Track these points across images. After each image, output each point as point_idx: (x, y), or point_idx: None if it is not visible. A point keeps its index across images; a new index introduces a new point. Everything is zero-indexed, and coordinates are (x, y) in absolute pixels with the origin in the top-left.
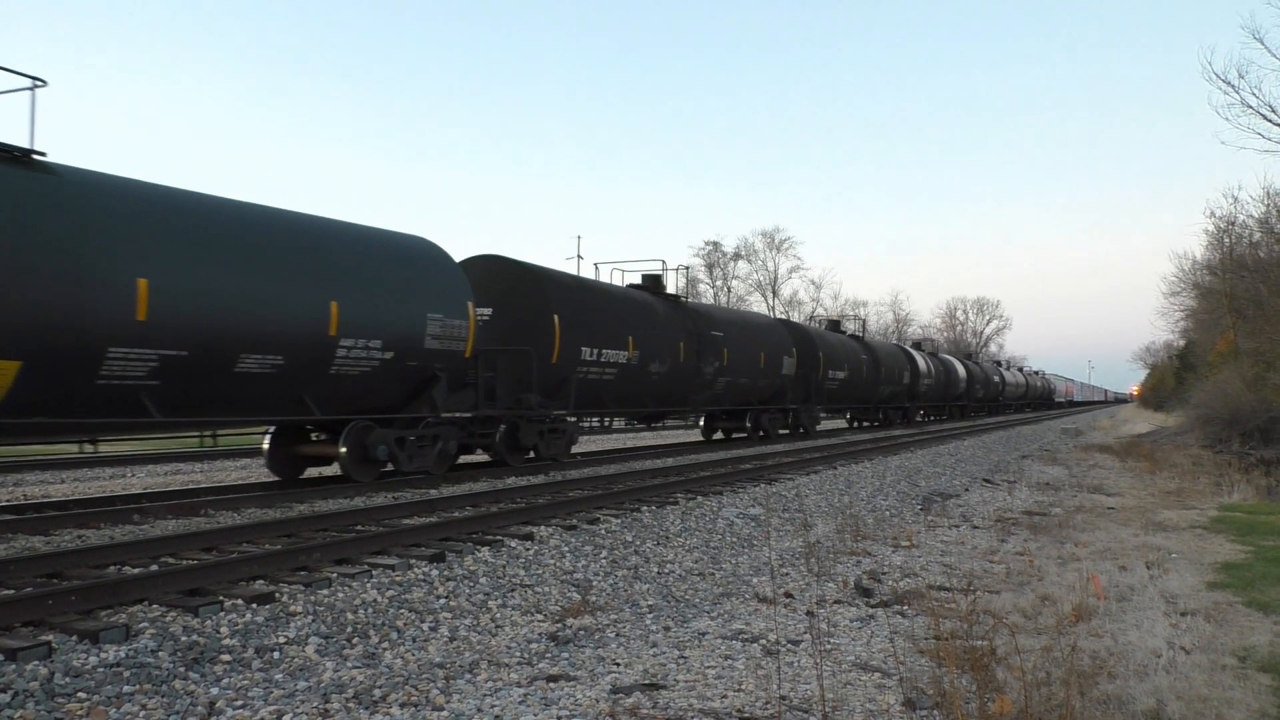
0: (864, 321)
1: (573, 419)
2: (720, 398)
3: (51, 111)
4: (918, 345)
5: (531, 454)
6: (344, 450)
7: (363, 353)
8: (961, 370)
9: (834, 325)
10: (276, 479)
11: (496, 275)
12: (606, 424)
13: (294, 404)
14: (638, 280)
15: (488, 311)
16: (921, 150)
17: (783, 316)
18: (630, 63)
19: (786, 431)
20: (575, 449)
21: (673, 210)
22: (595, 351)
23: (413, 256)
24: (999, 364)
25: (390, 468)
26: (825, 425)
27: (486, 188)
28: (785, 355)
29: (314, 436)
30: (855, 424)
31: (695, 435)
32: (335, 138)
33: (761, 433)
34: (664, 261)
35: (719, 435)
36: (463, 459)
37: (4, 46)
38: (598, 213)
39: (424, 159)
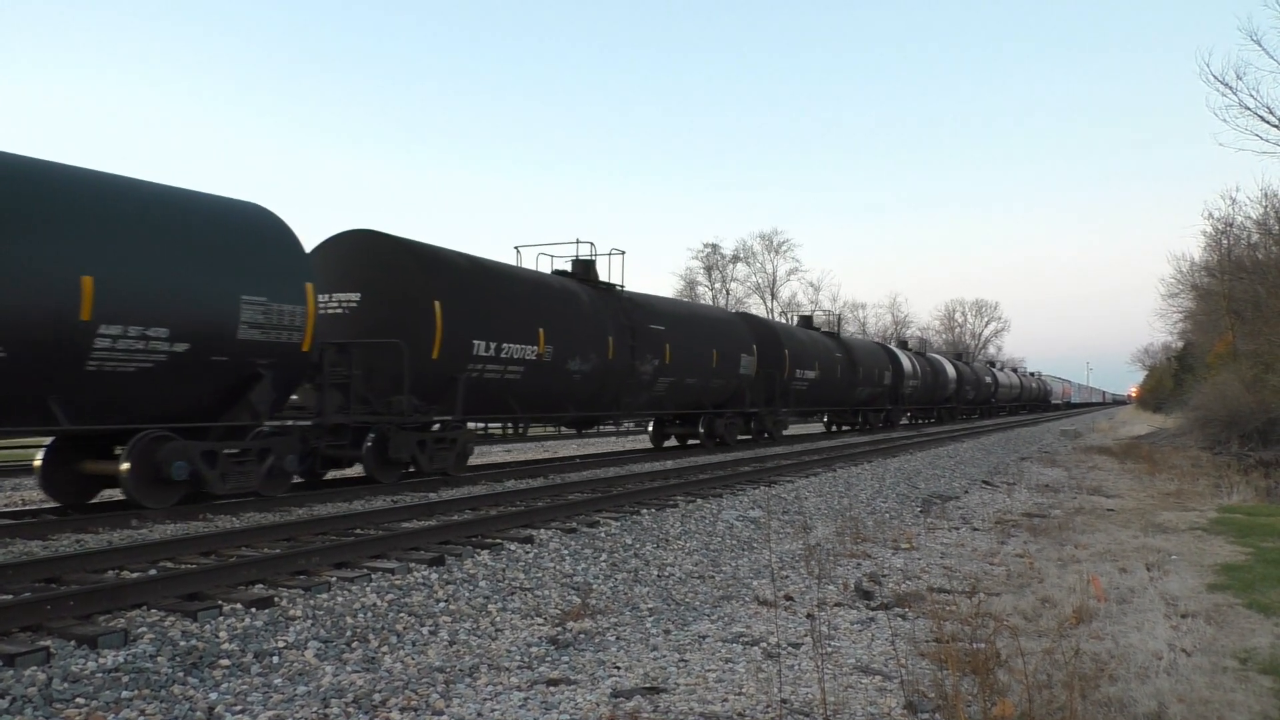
0: (863, 323)
1: (471, 427)
2: (662, 400)
3: (54, 112)
4: (903, 344)
5: (412, 468)
6: (125, 467)
7: (137, 343)
8: (951, 370)
9: (806, 321)
10: (57, 504)
11: (368, 254)
12: (520, 430)
13: (32, 411)
14: (566, 267)
15: (355, 297)
16: (920, 153)
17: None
18: (629, 66)
19: (748, 437)
20: (475, 461)
21: (671, 212)
22: (493, 346)
23: (226, 224)
24: (992, 364)
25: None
26: (796, 430)
27: (484, 191)
28: (744, 353)
29: (117, 450)
30: (834, 428)
31: (638, 443)
32: (336, 139)
33: (717, 439)
34: (593, 245)
35: (672, 442)
36: (333, 474)
37: None
38: (596, 215)
39: (422, 161)
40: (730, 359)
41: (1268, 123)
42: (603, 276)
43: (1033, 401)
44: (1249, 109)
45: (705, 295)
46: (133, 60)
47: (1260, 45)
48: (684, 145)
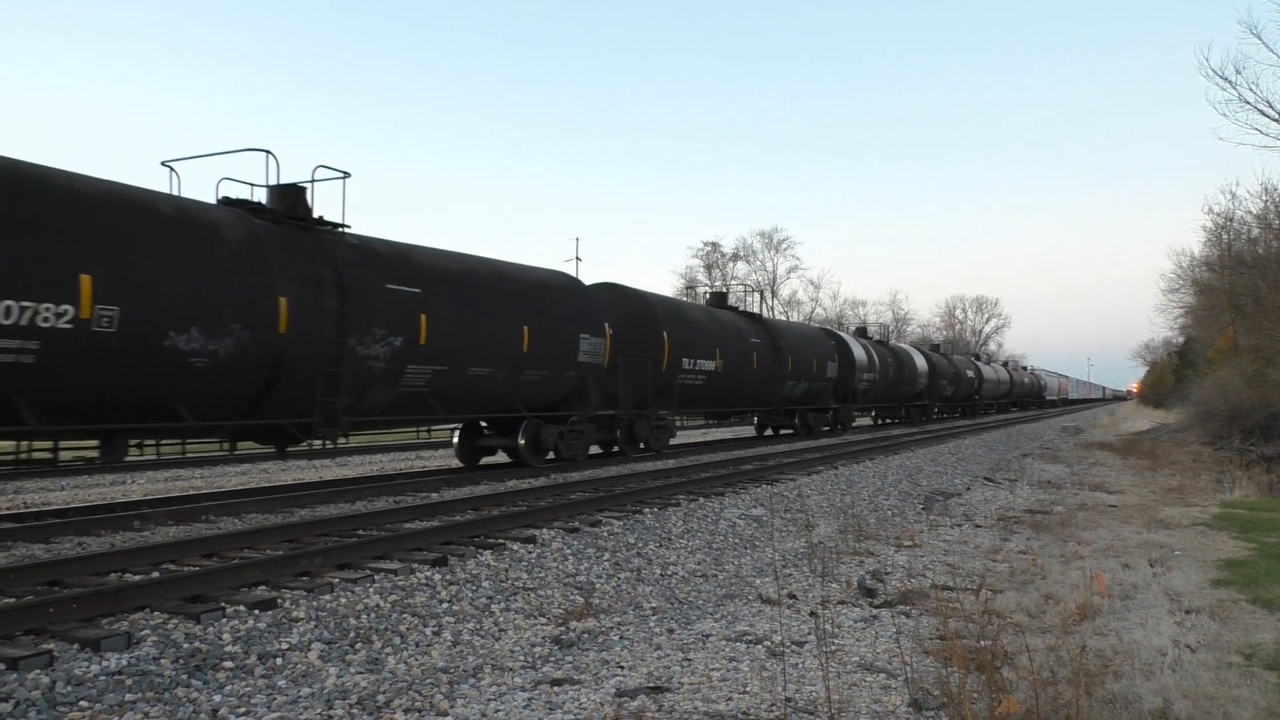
0: (864, 320)
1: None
2: (419, 400)
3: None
4: (862, 331)
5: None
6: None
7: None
8: (920, 362)
9: (719, 299)
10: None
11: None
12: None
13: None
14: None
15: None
16: (920, 149)
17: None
18: (629, 64)
19: (601, 451)
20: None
21: (671, 211)
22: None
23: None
24: (976, 358)
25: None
26: (687, 437)
27: (482, 187)
28: (585, 333)
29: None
30: (766, 432)
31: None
32: (329, 139)
33: (548, 453)
34: (272, 155)
35: (501, 458)
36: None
37: None
38: (595, 213)
39: (421, 162)
40: (557, 339)
41: (1267, 116)
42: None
43: (1025, 398)
44: (1249, 103)
45: (706, 294)
46: (103, 58)
47: (1260, 39)
48: (683, 143)
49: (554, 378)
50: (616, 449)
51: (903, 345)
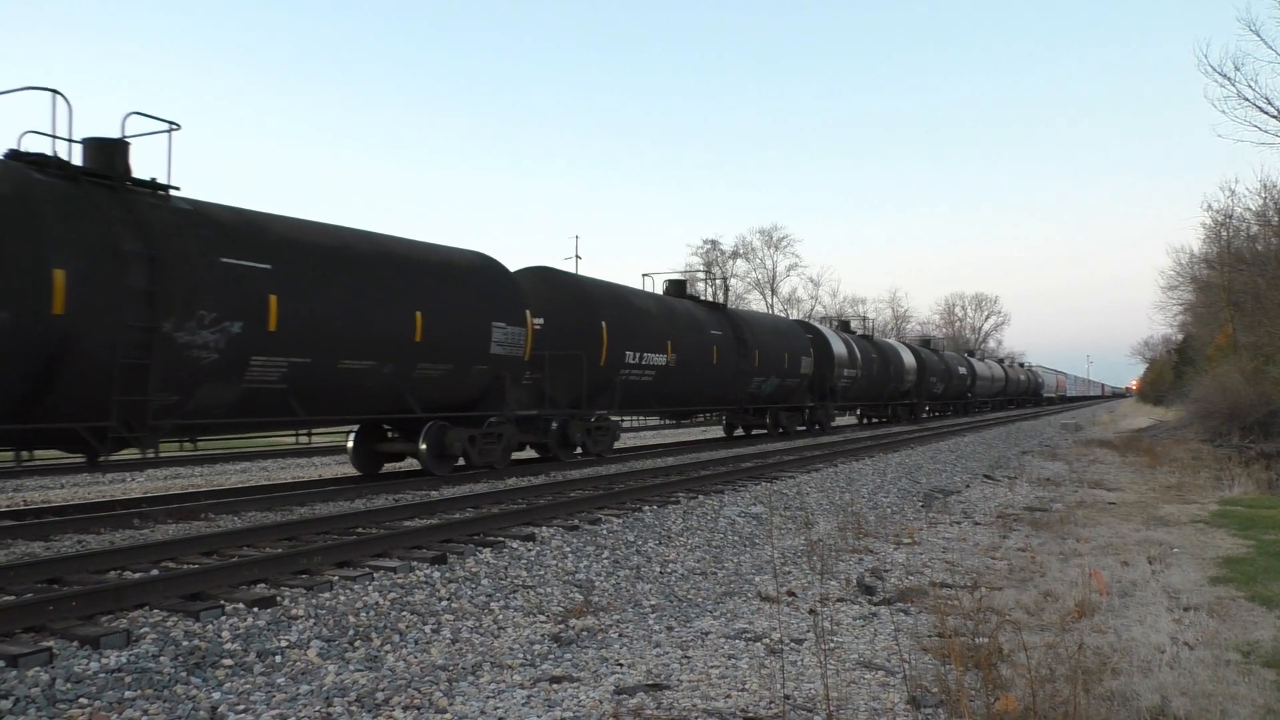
0: (864, 318)
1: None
2: (261, 397)
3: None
4: (845, 325)
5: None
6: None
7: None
8: (909, 359)
9: (678, 288)
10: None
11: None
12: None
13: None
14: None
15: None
16: (919, 147)
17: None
18: (627, 61)
19: (538, 456)
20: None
21: (670, 209)
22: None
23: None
24: (970, 354)
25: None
26: (640, 439)
27: (483, 187)
28: (499, 322)
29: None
30: (736, 432)
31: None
32: (330, 139)
33: (451, 457)
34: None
35: (409, 464)
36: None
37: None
38: (595, 212)
39: (420, 160)
40: (463, 328)
41: (1266, 113)
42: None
43: (1021, 395)
44: (1247, 99)
45: (705, 292)
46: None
47: (1259, 35)
48: (682, 141)
49: (459, 372)
50: (549, 454)
51: (889, 340)
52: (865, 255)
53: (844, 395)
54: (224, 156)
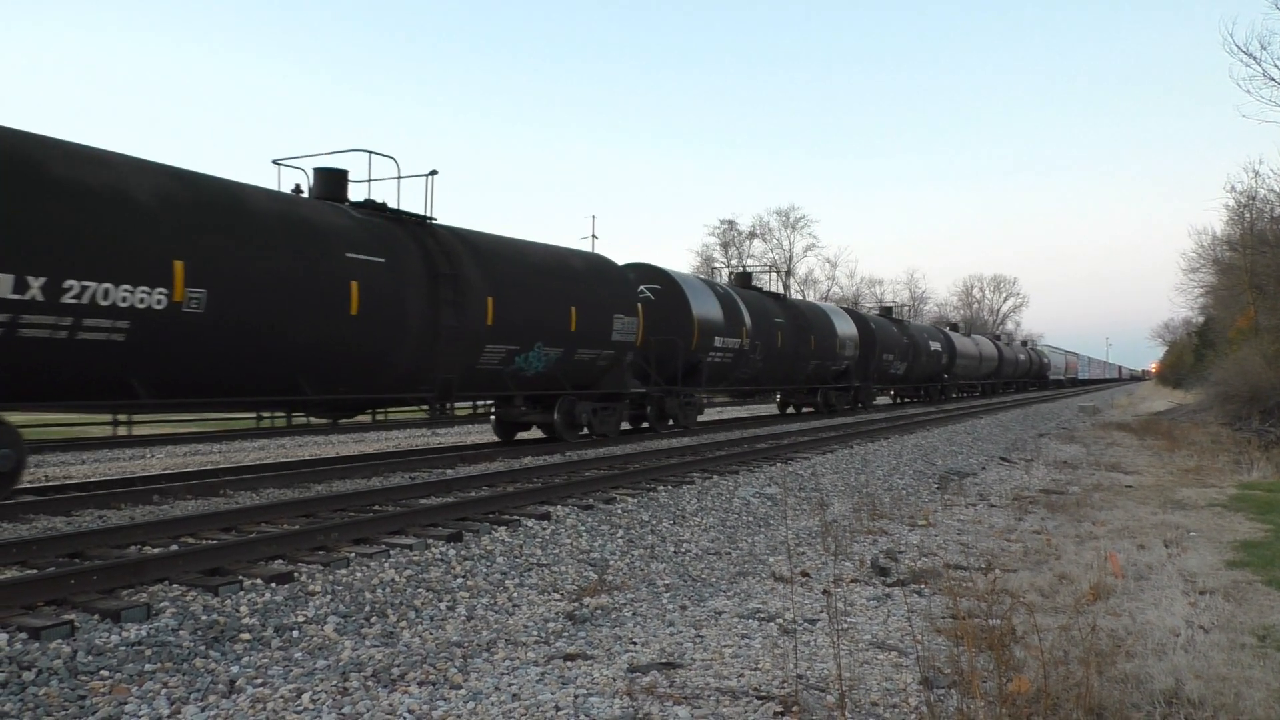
0: (880, 299)
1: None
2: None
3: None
4: (746, 280)
5: (671, 422)
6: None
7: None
8: (845, 328)
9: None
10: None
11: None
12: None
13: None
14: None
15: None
16: (939, 127)
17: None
18: (644, 41)
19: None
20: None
21: (687, 189)
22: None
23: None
24: (954, 327)
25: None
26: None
27: (499, 167)
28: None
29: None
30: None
31: None
32: (350, 116)
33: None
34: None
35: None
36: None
37: None
38: (612, 192)
39: (437, 138)
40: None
41: None
42: None
43: (1022, 378)
44: (1273, 80)
45: (722, 273)
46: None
47: None
48: (700, 121)
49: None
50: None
51: (819, 303)
52: (883, 236)
53: (714, 378)
54: (235, 110)
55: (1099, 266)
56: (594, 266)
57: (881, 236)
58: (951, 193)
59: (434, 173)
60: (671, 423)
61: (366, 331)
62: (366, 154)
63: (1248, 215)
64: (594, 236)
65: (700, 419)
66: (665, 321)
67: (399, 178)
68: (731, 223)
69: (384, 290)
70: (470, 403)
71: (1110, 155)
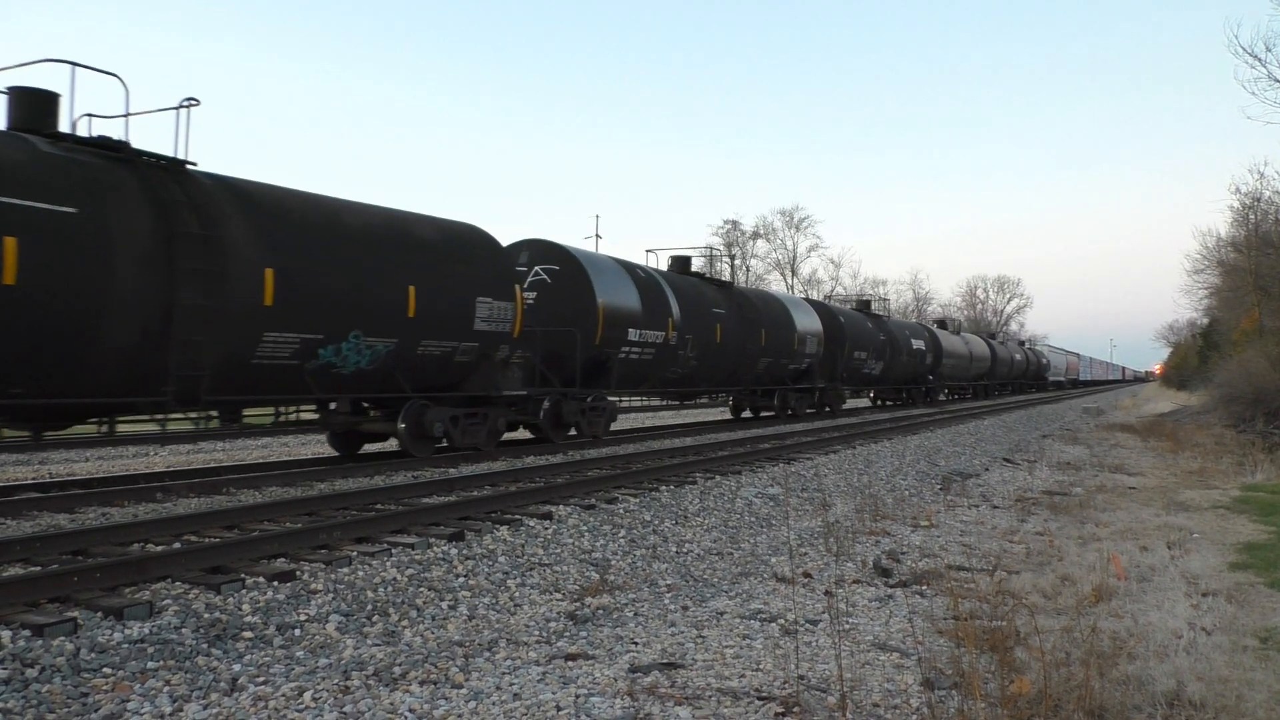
0: (885, 300)
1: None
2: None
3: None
4: (685, 266)
5: (573, 431)
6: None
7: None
8: (807, 323)
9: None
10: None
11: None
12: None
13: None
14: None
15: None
16: (944, 127)
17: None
18: (648, 40)
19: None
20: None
21: (691, 189)
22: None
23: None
24: (942, 325)
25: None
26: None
27: (502, 165)
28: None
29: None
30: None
31: None
32: (350, 115)
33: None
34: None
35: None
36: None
37: None
38: (615, 191)
39: (437, 137)
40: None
41: None
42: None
43: (1018, 379)
44: (1278, 81)
45: (725, 272)
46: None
47: None
48: (704, 121)
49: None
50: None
51: (774, 292)
52: (886, 237)
53: (630, 377)
54: (234, 124)
55: (1103, 267)
56: (453, 237)
57: (886, 237)
58: (956, 194)
59: (192, 102)
60: (574, 432)
61: (34, 308)
62: (68, 66)
63: (1252, 217)
64: (598, 236)
65: (616, 427)
66: (564, 309)
67: (128, 114)
68: (735, 222)
69: (69, 252)
70: (269, 408)
71: (1115, 156)
